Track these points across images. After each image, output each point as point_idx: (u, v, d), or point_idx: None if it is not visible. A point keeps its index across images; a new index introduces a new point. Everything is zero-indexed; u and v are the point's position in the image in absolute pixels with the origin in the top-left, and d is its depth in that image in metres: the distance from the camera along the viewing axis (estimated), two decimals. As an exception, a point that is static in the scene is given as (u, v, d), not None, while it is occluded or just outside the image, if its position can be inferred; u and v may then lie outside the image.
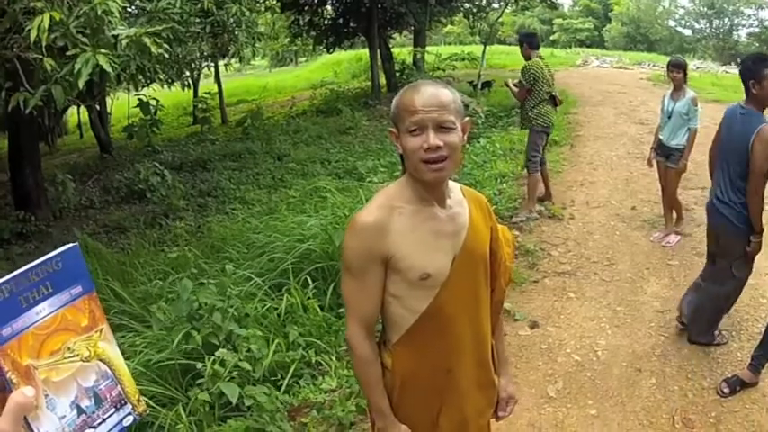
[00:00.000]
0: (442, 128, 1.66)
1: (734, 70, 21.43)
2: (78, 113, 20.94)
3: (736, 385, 3.74)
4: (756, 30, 45.10)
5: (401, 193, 1.79)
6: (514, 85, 7.00)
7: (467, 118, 1.77)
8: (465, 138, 1.75)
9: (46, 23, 4.00)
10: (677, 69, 5.72)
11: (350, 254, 1.77)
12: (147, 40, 4.54)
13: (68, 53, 4.30)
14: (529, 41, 6.88)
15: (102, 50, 4.28)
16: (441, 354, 1.86)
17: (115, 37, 4.54)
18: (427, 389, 1.89)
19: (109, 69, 4.25)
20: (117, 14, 4.30)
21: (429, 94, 1.68)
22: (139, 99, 13.32)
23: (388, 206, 1.75)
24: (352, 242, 1.76)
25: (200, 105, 17.57)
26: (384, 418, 1.88)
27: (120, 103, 19.38)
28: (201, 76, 20.21)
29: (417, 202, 1.77)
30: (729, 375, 3.84)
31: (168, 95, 17.83)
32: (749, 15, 45.44)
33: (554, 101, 6.89)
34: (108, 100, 18.59)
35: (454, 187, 1.88)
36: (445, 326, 1.82)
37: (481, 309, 1.91)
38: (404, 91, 1.76)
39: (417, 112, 1.66)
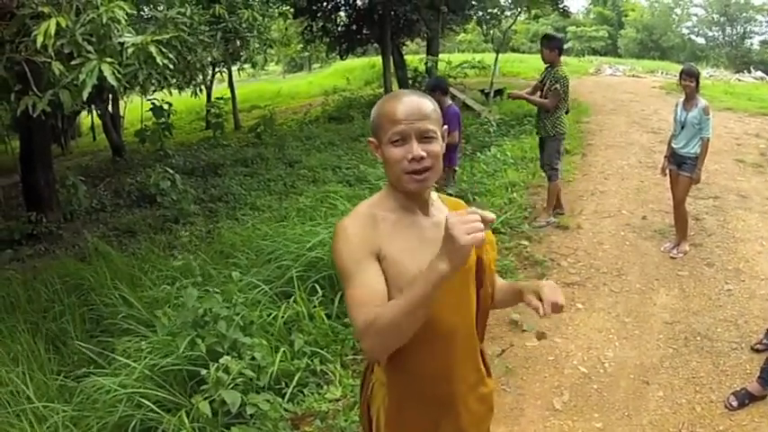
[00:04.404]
0: (424, 138, 1.66)
1: (747, 78, 21.30)
2: (92, 116, 21.10)
3: (745, 399, 3.69)
4: (769, 38, 44.92)
5: (383, 203, 1.77)
6: (529, 93, 6.90)
7: (444, 126, 1.77)
8: (443, 145, 1.75)
9: (52, 29, 4.01)
10: (690, 78, 5.58)
11: (342, 256, 1.69)
12: (152, 49, 4.55)
13: (73, 62, 4.32)
14: (560, 47, 6.62)
15: (108, 59, 4.29)
16: (435, 362, 1.82)
17: (121, 44, 4.56)
18: (424, 401, 1.85)
19: (113, 81, 4.27)
20: (123, 22, 4.32)
21: (412, 105, 1.67)
22: (152, 103, 13.40)
23: (371, 214, 1.74)
24: (341, 245, 1.70)
25: (213, 110, 17.63)
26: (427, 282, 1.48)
27: (134, 107, 19.46)
28: (215, 80, 20.28)
29: (400, 211, 1.75)
30: (738, 388, 3.79)
31: (181, 100, 17.89)
32: (762, 23, 45.24)
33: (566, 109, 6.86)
34: (121, 103, 18.71)
35: (433, 195, 1.86)
36: (437, 335, 1.78)
37: (472, 316, 1.89)
38: (384, 100, 1.75)
39: (400, 122, 1.65)
